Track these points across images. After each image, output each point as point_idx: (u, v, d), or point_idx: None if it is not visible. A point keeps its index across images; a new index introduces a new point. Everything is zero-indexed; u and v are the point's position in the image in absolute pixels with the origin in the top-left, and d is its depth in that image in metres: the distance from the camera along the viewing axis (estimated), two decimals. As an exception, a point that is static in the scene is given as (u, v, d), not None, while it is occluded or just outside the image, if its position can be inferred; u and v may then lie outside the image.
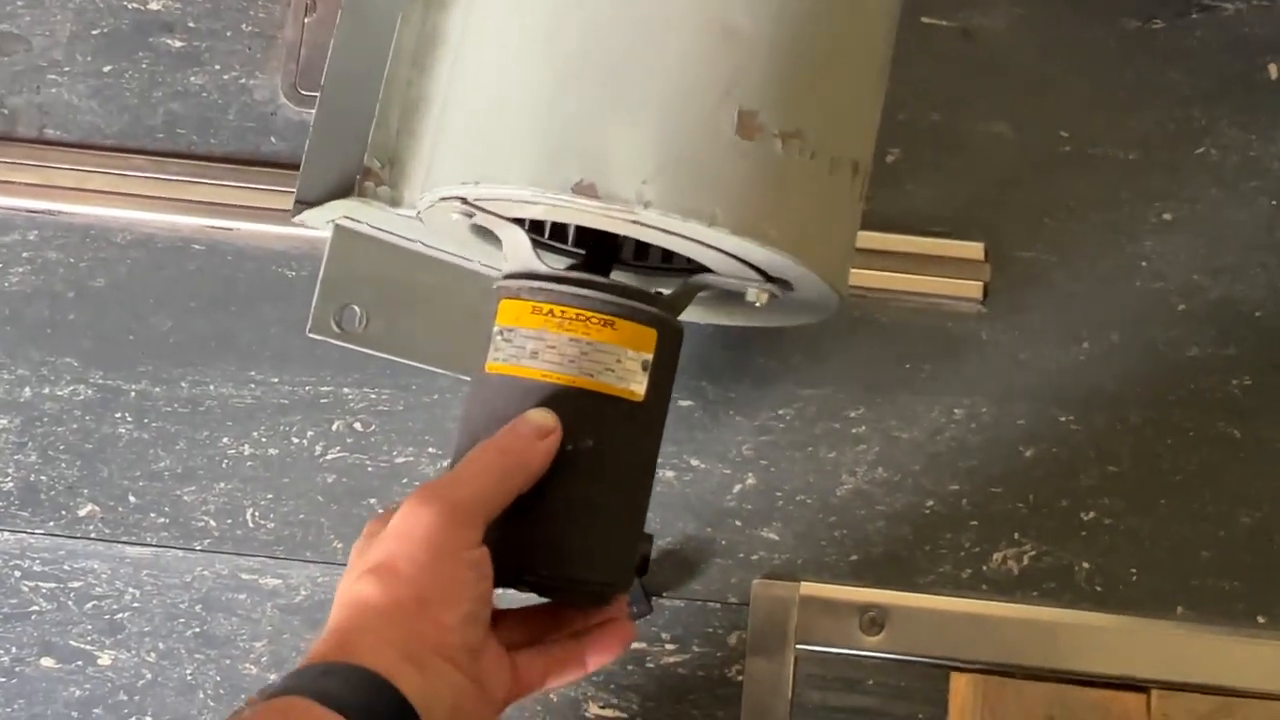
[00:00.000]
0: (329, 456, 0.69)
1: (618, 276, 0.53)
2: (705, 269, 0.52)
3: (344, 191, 0.54)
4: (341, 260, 0.61)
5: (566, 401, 0.48)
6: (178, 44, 0.73)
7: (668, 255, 0.54)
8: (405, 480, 0.68)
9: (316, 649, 0.43)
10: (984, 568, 0.69)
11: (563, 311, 0.48)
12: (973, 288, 0.70)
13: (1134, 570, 0.69)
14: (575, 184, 0.45)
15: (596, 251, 0.53)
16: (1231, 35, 0.73)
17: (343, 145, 0.55)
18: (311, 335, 0.61)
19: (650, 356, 0.49)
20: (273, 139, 0.72)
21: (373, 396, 0.69)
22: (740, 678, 0.67)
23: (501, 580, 0.48)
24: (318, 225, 0.59)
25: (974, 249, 0.71)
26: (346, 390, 0.69)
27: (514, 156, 0.47)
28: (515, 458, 0.47)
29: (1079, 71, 0.73)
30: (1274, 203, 0.72)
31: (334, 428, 0.69)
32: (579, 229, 0.53)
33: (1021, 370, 0.70)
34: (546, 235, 0.55)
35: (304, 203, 0.56)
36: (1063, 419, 0.70)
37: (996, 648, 0.68)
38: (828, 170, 0.49)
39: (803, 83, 0.48)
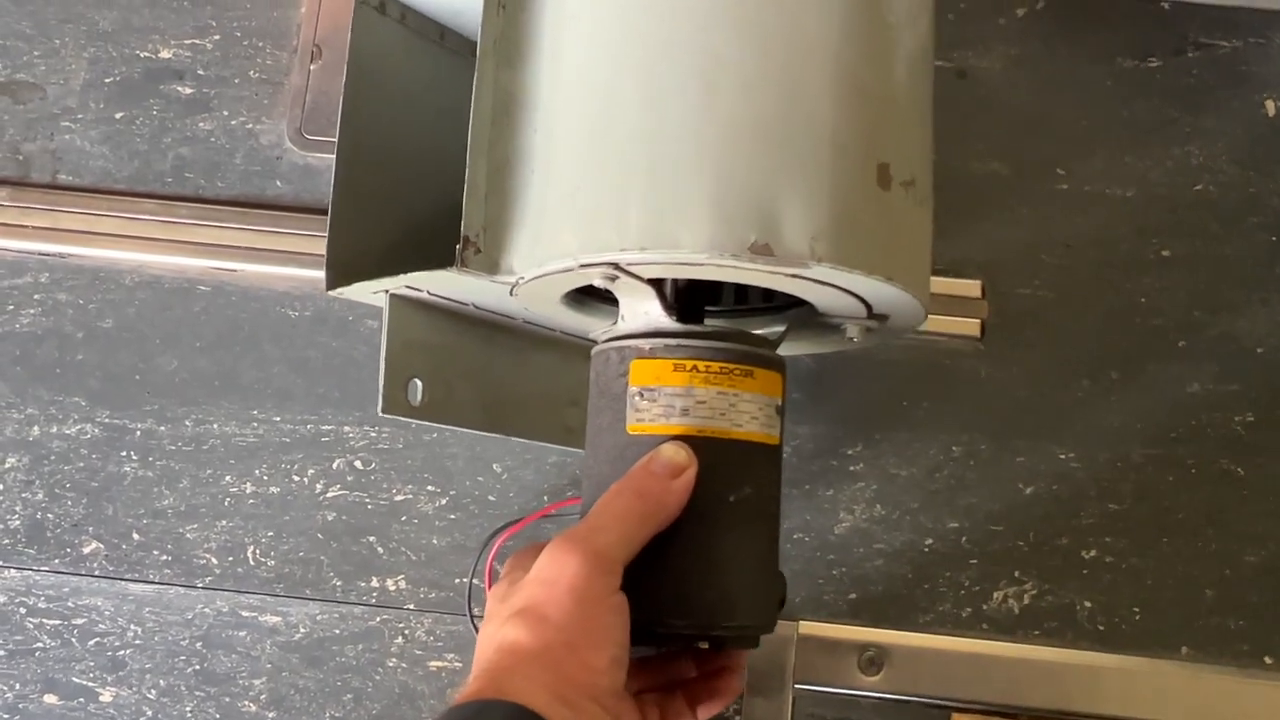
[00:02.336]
0: (330, 494, 0.69)
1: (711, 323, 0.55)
2: (800, 304, 0.53)
3: (380, 261, 0.54)
4: (399, 332, 0.57)
5: (722, 453, 0.49)
6: (187, 91, 0.75)
7: (762, 294, 0.57)
8: (404, 518, 0.69)
9: (469, 689, 0.44)
10: (984, 606, 0.68)
11: (707, 366, 0.49)
12: (971, 325, 0.71)
13: (1137, 609, 0.68)
14: (752, 244, 0.46)
15: (691, 302, 0.53)
16: (1228, 73, 0.74)
17: (368, 214, 0.56)
18: (384, 415, 0.56)
19: (780, 400, 0.51)
20: (278, 182, 0.74)
21: (373, 434, 0.70)
22: (738, 717, 0.67)
23: (664, 638, 0.49)
24: (362, 297, 0.57)
25: (971, 286, 0.71)
26: (347, 429, 0.70)
27: (686, 221, 0.47)
28: (653, 500, 0.47)
29: (1075, 110, 0.73)
30: (1274, 238, 0.71)
31: (335, 465, 0.70)
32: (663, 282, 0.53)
33: (1020, 407, 0.70)
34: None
35: (338, 272, 0.54)
36: (1062, 456, 0.69)
37: (998, 688, 0.67)
38: (926, 210, 0.52)
39: (914, 132, 0.51)
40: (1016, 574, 0.68)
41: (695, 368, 0.49)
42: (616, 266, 0.48)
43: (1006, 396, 0.70)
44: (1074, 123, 0.73)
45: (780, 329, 0.57)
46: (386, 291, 0.56)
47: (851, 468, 0.70)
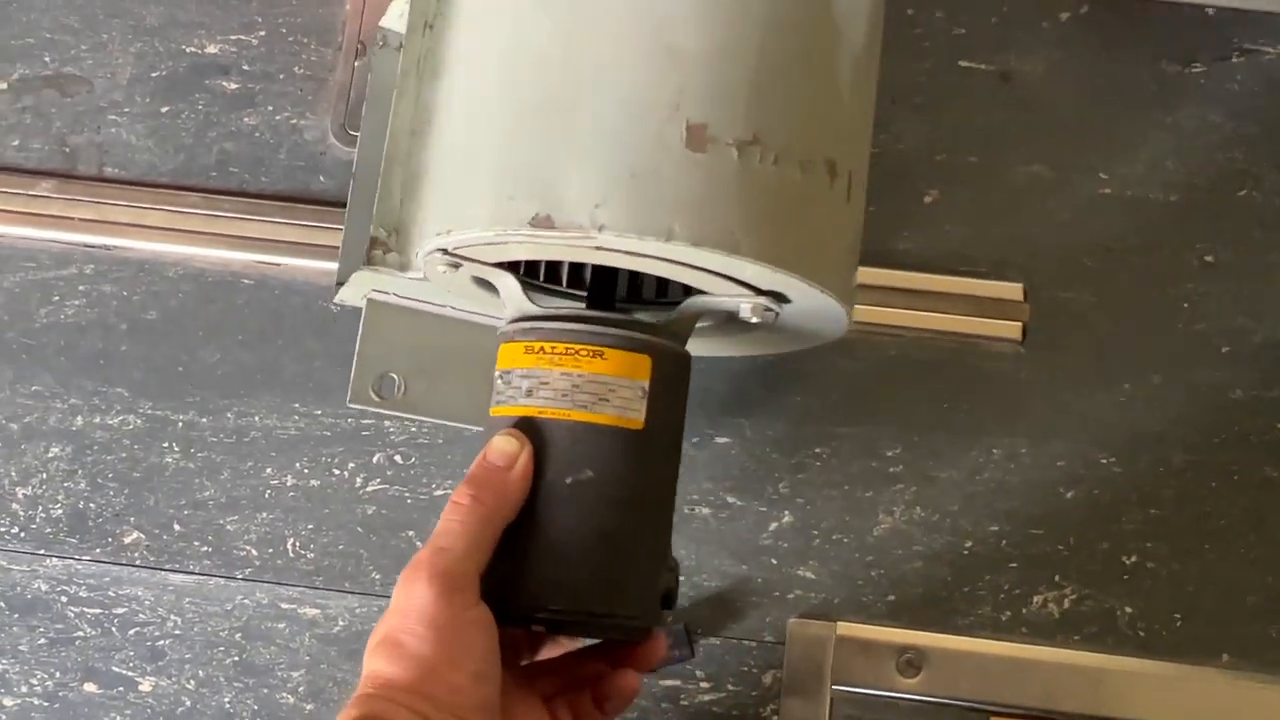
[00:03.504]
0: (369, 488, 0.70)
1: (642, 316, 0.54)
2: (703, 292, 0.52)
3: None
4: (376, 331, 0.64)
5: (564, 435, 0.49)
6: (233, 86, 0.76)
7: (687, 290, 0.54)
8: (444, 513, 0.69)
9: (345, 717, 0.45)
10: (1024, 610, 0.68)
11: (552, 347, 0.49)
12: (1012, 328, 0.70)
13: (1178, 615, 0.67)
14: (533, 218, 0.46)
15: (597, 290, 0.53)
16: (1273, 78, 0.73)
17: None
18: (352, 405, 0.63)
19: (647, 383, 0.49)
20: (321, 178, 0.74)
21: (413, 429, 0.70)
22: (775, 718, 0.66)
23: (509, 620, 0.48)
24: (358, 302, 0.62)
25: (1013, 289, 0.71)
26: (387, 423, 0.70)
27: (477, 202, 0.48)
28: (490, 497, 0.47)
29: (1118, 114, 0.73)
30: (1318, 245, 0.71)
31: (375, 460, 0.70)
32: (579, 271, 0.54)
33: (1061, 411, 0.70)
34: (552, 280, 0.56)
35: (340, 284, 0.59)
36: (1104, 460, 0.69)
37: (1037, 692, 0.67)
38: (798, 173, 0.48)
39: (755, 90, 0.48)
40: (1056, 578, 0.68)
41: (542, 349, 0.49)
42: (445, 252, 0.50)
43: (1047, 399, 0.70)
44: (1117, 126, 0.73)
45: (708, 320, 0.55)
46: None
47: (891, 469, 0.69)
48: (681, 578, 0.67)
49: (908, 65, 0.74)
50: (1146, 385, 0.70)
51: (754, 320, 0.51)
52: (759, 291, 0.51)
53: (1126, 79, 0.73)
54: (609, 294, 0.53)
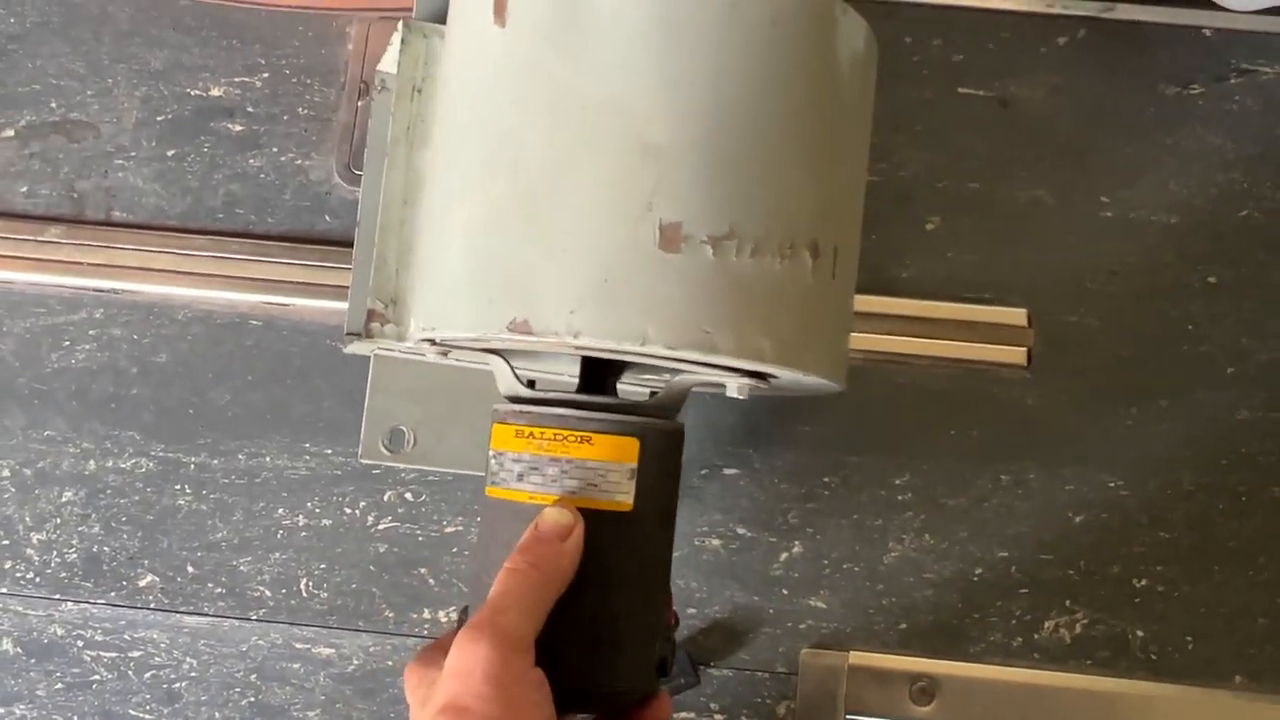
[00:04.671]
0: (381, 526, 0.70)
1: (635, 386, 0.54)
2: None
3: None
4: (383, 386, 0.67)
5: None
6: (237, 128, 0.76)
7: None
8: (455, 549, 0.69)
9: None
10: (1035, 636, 0.68)
11: (541, 433, 0.49)
12: (1017, 353, 0.71)
13: (1189, 638, 0.68)
14: (510, 323, 0.46)
15: (589, 372, 0.54)
16: (1271, 98, 0.74)
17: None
18: (364, 461, 0.64)
19: (635, 465, 0.49)
20: (327, 218, 0.75)
21: (423, 467, 0.70)
22: (790, 748, 0.67)
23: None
24: (367, 353, 0.62)
25: (1017, 315, 0.71)
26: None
27: (458, 302, 0.49)
28: (548, 566, 0.48)
29: (1118, 137, 0.74)
30: (1321, 264, 0.71)
31: (385, 498, 0.70)
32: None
33: (1068, 435, 0.70)
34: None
35: (352, 334, 0.58)
36: (1112, 484, 0.69)
37: (1050, 718, 0.67)
38: (777, 262, 0.48)
39: (730, 182, 0.47)
40: (1068, 603, 0.68)
41: (531, 434, 0.49)
42: (433, 342, 0.51)
43: (1054, 424, 0.70)
44: (1117, 150, 0.73)
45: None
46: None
47: (900, 497, 0.70)
48: (693, 609, 0.68)
49: (907, 93, 0.74)
50: (1153, 408, 0.70)
51: (742, 397, 0.51)
52: (745, 373, 0.51)
53: (1125, 102, 0.74)
54: (601, 374, 0.53)
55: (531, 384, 0.53)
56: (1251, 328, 0.71)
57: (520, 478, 0.49)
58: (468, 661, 0.45)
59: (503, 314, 0.47)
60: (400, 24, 0.53)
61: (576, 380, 0.54)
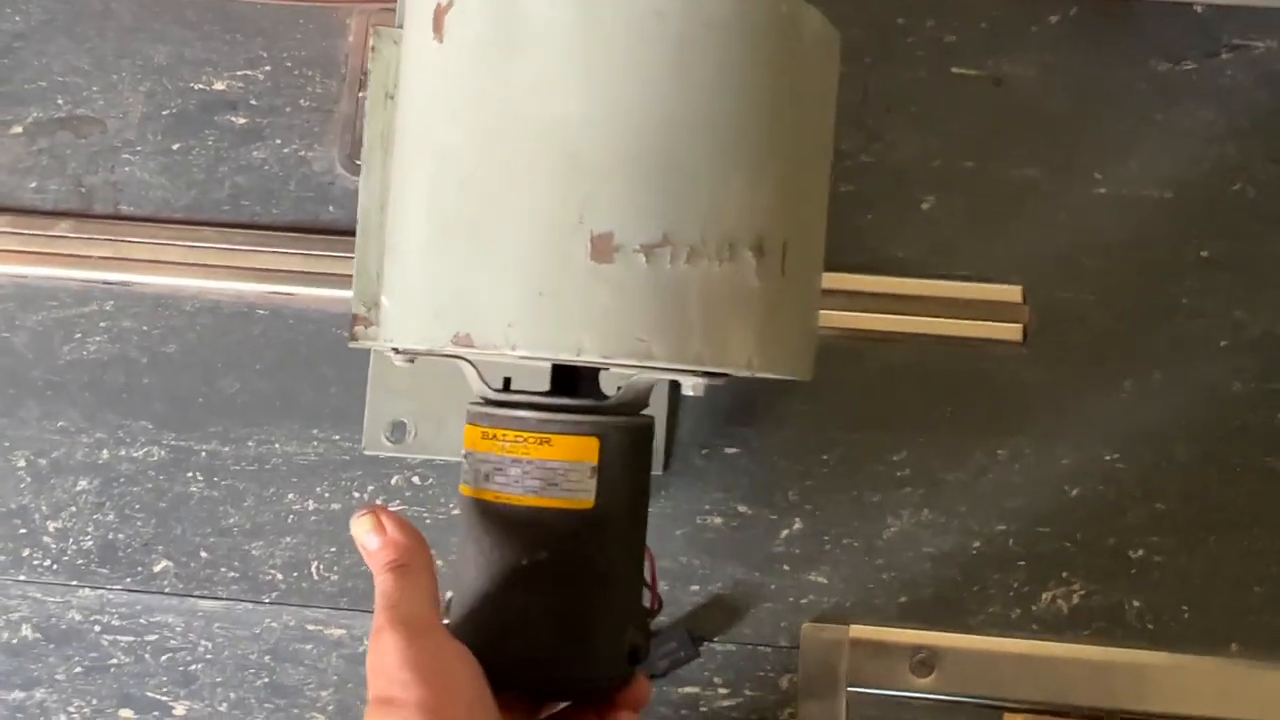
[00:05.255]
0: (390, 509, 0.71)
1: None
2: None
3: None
4: (384, 381, 0.71)
5: (520, 519, 0.51)
6: (241, 121, 0.78)
7: None
8: (462, 531, 0.71)
9: None
10: (1033, 607, 0.69)
11: (503, 434, 0.51)
12: (1012, 330, 0.72)
13: (1185, 608, 0.69)
14: (454, 336, 0.48)
15: (558, 369, 0.55)
16: (1263, 72, 0.74)
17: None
18: (368, 453, 0.67)
19: (595, 464, 0.51)
20: (330, 208, 0.76)
21: (425, 456, 0.72)
22: (793, 719, 0.68)
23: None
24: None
25: (1012, 292, 0.72)
26: (404, 445, 0.72)
27: (409, 314, 0.51)
28: (400, 557, 0.50)
29: (1111, 114, 0.74)
30: (1313, 237, 0.72)
31: (393, 482, 0.72)
32: None
33: (1064, 410, 0.71)
34: None
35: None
36: (1107, 457, 0.70)
37: (1048, 688, 0.68)
38: (716, 265, 0.48)
39: (663, 190, 0.47)
40: (1064, 574, 0.69)
41: (495, 436, 0.51)
42: (396, 351, 0.53)
43: (1050, 399, 0.71)
44: (1110, 127, 0.74)
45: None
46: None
47: (898, 473, 0.71)
48: (695, 586, 0.70)
49: (901, 73, 0.75)
50: (1147, 381, 0.71)
51: (699, 394, 0.52)
52: (696, 372, 0.51)
53: (1117, 80, 0.74)
54: (571, 375, 0.54)
55: (508, 382, 0.54)
56: (1245, 301, 0.71)
57: (487, 478, 0.51)
58: (382, 656, 0.47)
59: (448, 327, 0.48)
60: (371, 32, 0.54)
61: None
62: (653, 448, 0.55)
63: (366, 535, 0.51)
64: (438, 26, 0.49)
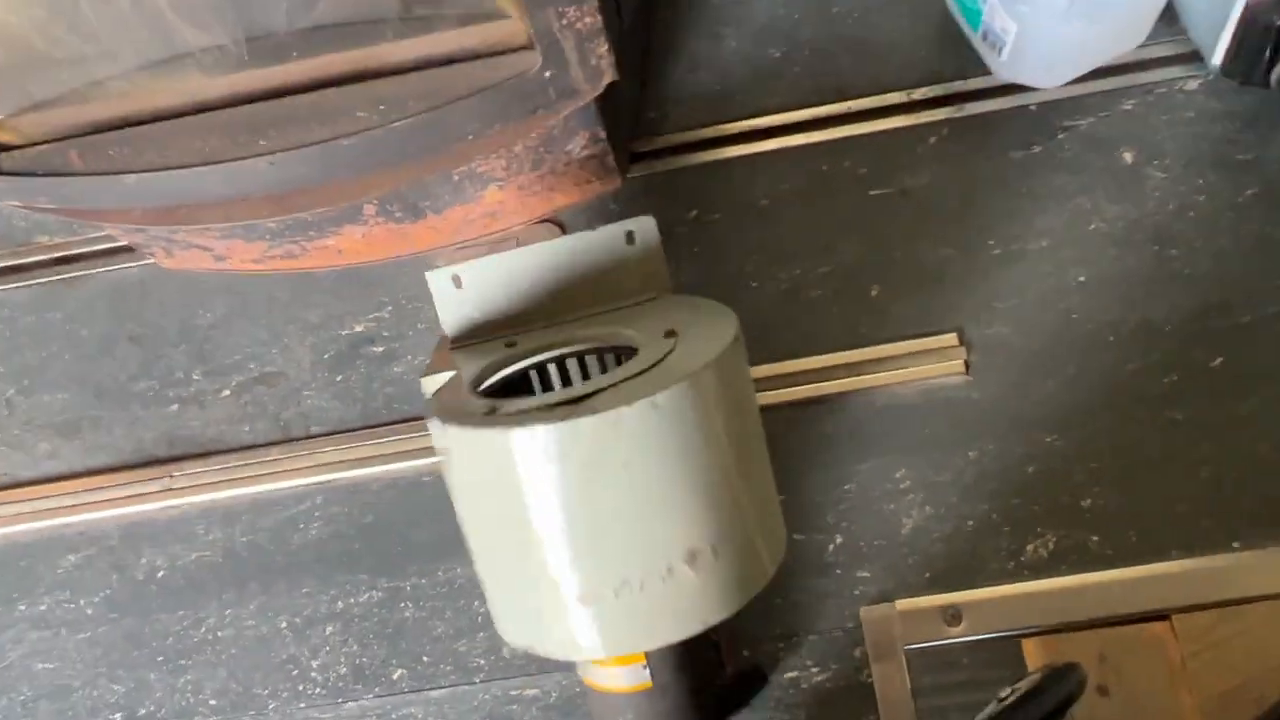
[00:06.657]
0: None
1: None
2: None
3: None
4: None
5: None
6: (379, 349, 1.08)
7: None
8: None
9: None
10: (1022, 559, 0.94)
11: None
12: (956, 365, 0.98)
13: (1132, 534, 0.93)
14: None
15: None
16: (1092, 140, 1.02)
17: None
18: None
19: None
20: (457, 394, 1.05)
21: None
22: (870, 679, 0.93)
23: None
24: None
25: (950, 339, 0.99)
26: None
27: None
28: None
29: (991, 195, 1.02)
30: (1155, 247, 0.98)
31: (546, 576, 0.99)
32: None
33: (1009, 413, 0.97)
34: None
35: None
36: (1048, 439, 0.96)
37: (1048, 614, 0.92)
38: (659, 582, 0.61)
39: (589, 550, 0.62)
40: (1039, 530, 0.94)
41: None
42: None
43: (998, 407, 0.97)
44: (992, 205, 1.02)
45: None
46: None
47: (902, 485, 0.97)
48: (779, 599, 0.95)
49: (834, 203, 1.03)
50: (1065, 376, 0.97)
51: None
52: None
53: (988, 170, 1.02)
54: None
55: None
56: (1118, 304, 0.97)
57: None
58: None
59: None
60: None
61: None
62: None
63: None
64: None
